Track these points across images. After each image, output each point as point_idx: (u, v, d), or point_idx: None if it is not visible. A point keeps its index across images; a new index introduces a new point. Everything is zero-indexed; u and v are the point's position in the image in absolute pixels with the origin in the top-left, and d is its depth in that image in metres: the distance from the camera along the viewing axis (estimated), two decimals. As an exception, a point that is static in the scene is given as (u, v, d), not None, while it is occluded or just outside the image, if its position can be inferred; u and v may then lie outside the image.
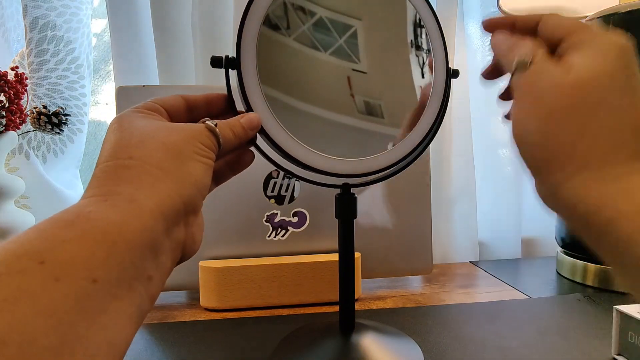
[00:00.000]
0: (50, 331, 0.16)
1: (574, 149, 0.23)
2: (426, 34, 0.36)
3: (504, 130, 0.77)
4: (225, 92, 0.32)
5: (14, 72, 0.62)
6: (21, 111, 0.62)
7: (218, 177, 0.33)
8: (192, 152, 0.25)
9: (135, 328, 0.20)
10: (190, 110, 0.31)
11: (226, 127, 0.28)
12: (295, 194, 0.54)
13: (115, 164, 0.23)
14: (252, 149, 0.33)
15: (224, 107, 0.32)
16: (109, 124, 0.27)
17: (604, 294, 0.55)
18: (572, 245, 0.62)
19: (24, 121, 0.64)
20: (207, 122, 0.27)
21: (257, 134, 0.32)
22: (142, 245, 0.21)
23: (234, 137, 0.29)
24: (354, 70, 0.34)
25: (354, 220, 0.37)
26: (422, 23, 0.36)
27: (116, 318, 0.18)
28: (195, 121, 0.28)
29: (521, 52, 0.25)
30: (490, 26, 0.29)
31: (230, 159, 0.33)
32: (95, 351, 0.17)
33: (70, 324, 0.16)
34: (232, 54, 0.31)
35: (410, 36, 0.36)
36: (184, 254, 0.26)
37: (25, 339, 0.15)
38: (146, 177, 0.23)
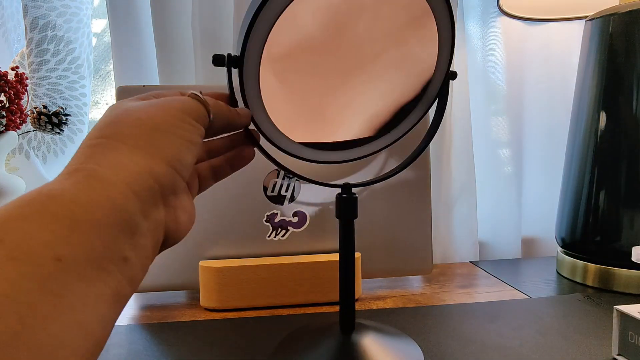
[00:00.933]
0: (6, 313, 0.15)
1: None
2: (438, 31, 0.35)
3: (504, 130, 0.77)
4: (227, 91, 0.32)
5: (14, 72, 0.62)
6: (21, 111, 0.62)
7: (217, 173, 0.32)
8: (169, 126, 0.24)
9: (113, 311, 0.19)
10: None
11: (213, 98, 0.27)
12: (295, 194, 0.54)
13: (86, 144, 0.22)
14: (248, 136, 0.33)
15: None
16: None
17: (604, 294, 0.55)
18: (572, 245, 0.62)
19: (24, 121, 0.64)
20: (192, 92, 0.26)
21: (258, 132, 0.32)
22: (112, 224, 0.19)
23: (226, 109, 0.28)
24: (355, 71, 0.34)
25: (354, 220, 0.37)
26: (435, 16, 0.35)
27: (85, 299, 0.17)
28: None
29: None
30: None
31: (230, 155, 0.32)
32: (62, 333, 0.16)
33: (30, 305, 0.15)
34: (232, 53, 0.31)
35: (412, 35, 0.36)
36: (168, 237, 0.24)
37: None
38: (108, 153, 0.21)
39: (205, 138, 0.27)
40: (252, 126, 0.32)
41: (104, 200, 0.20)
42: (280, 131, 0.33)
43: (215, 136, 0.30)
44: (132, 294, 0.21)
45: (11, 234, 0.16)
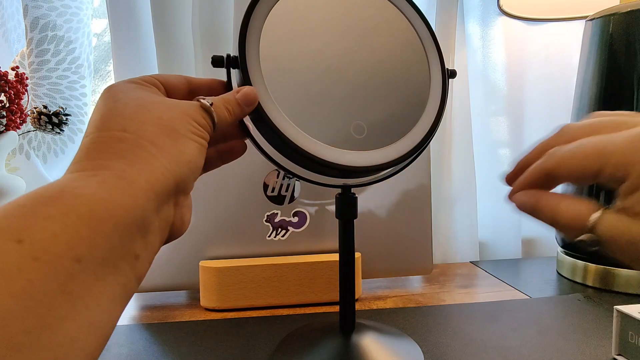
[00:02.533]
0: (26, 313, 0.15)
1: None
2: (419, 37, 0.36)
3: (504, 130, 0.77)
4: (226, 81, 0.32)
5: (15, 72, 0.62)
6: (21, 111, 0.62)
7: (207, 164, 0.31)
8: (187, 131, 0.24)
9: (120, 308, 0.19)
10: (192, 93, 0.30)
11: (221, 105, 0.27)
12: (296, 194, 0.54)
13: (109, 135, 0.22)
14: (253, 148, 0.33)
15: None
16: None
17: (604, 294, 0.55)
18: (572, 245, 0.62)
19: (24, 121, 0.64)
20: (202, 100, 0.26)
21: (259, 131, 0.32)
22: (131, 224, 0.20)
23: (229, 115, 0.28)
24: (355, 72, 0.34)
25: (354, 220, 0.37)
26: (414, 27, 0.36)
27: (99, 298, 0.18)
28: None
29: (581, 218, 0.23)
30: (511, 180, 0.27)
31: (222, 148, 0.32)
32: (75, 332, 0.16)
33: (49, 306, 0.16)
34: (232, 53, 0.31)
35: (405, 38, 0.36)
36: (172, 234, 0.25)
37: None
38: (140, 152, 0.21)
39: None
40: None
41: (127, 201, 0.20)
42: (293, 125, 0.32)
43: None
44: (136, 290, 0.21)
45: (36, 234, 0.16)
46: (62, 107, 0.66)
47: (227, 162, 0.33)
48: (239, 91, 0.29)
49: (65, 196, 0.18)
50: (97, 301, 0.17)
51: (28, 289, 0.15)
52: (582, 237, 0.23)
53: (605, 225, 0.22)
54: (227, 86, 0.32)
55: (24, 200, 0.18)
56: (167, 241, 0.25)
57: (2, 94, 0.60)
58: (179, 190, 0.24)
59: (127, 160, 0.21)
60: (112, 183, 0.20)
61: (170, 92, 0.28)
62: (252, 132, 0.33)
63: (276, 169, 0.53)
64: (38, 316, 0.15)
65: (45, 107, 0.65)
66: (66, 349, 0.16)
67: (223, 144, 0.32)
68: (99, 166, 0.20)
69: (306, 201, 0.54)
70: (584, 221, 0.23)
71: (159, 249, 0.23)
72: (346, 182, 0.36)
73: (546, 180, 0.25)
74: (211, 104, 0.26)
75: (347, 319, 0.39)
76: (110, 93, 0.24)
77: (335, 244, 0.55)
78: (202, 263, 0.51)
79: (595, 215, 0.22)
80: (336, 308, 0.49)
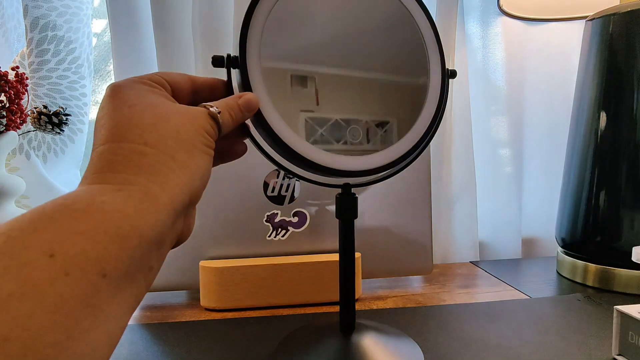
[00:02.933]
0: (56, 327, 0.16)
1: None
2: (421, 36, 0.36)
3: (504, 130, 0.77)
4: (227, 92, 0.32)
5: (15, 72, 0.62)
6: (22, 111, 0.62)
7: None
8: (200, 144, 0.24)
9: (130, 317, 0.20)
10: (195, 93, 0.30)
11: (226, 111, 0.27)
12: (295, 194, 0.54)
13: (131, 148, 0.22)
14: (253, 147, 0.33)
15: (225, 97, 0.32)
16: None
17: (604, 294, 0.55)
18: (572, 245, 0.62)
19: (24, 121, 0.64)
20: (209, 108, 0.26)
21: (255, 128, 0.32)
22: (153, 240, 0.20)
23: (232, 121, 0.28)
24: (356, 71, 0.34)
25: (354, 220, 0.37)
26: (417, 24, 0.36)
27: (116, 310, 0.18)
28: (196, 104, 0.27)
29: None
30: None
31: (222, 148, 0.32)
32: (96, 343, 0.17)
33: (76, 319, 0.16)
34: (232, 53, 0.31)
35: (405, 37, 0.36)
36: (177, 241, 0.25)
37: (30, 335, 0.15)
38: (161, 168, 0.22)
39: None
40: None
41: (151, 218, 0.20)
42: (292, 131, 0.32)
43: None
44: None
45: (68, 249, 0.17)
46: (62, 107, 0.66)
47: (226, 162, 0.33)
48: (241, 96, 0.29)
49: (93, 211, 0.19)
50: (114, 312, 0.18)
51: (59, 302, 0.16)
52: None
53: None
54: (227, 85, 0.32)
55: (52, 211, 0.18)
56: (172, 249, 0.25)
57: (2, 94, 0.60)
58: (192, 203, 0.24)
59: (150, 175, 0.21)
60: (138, 199, 0.20)
61: (175, 91, 0.28)
62: (252, 132, 0.33)
63: (276, 169, 0.53)
64: (66, 329, 0.16)
65: (45, 107, 0.65)
66: (87, 358, 0.17)
67: (223, 144, 0.32)
68: (124, 180, 0.21)
69: (306, 201, 0.54)
70: None
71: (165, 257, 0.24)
72: (346, 182, 0.36)
73: None
74: (219, 112, 0.26)
75: (347, 319, 0.39)
76: (120, 95, 0.24)
77: (335, 244, 0.55)
78: (202, 263, 0.51)
79: None
80: (336, 308, 0.50)
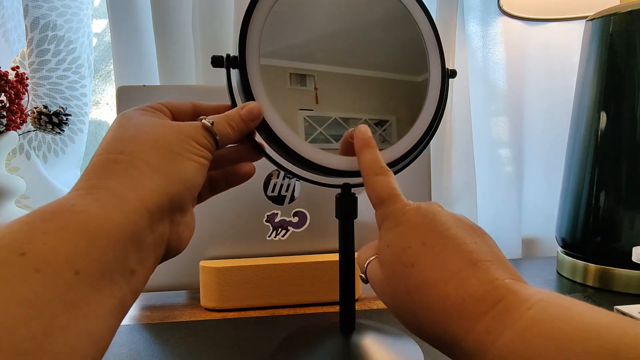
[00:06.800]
0: (31, 321, 0.16)
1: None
2: (421, 35, 0.36)
3: (504, 130, 0.77)
4: (227, 92, 0.32)
5: (15, 72, 0.62)
6: (22, 111, 0.62)
7: (213, 187, 0.33)
8: (184, 150, 0.25)
9: (117, 321, 0.20)
10: (198, 116, 0.30)
11: (223, 122, 0.28)
12: (296, 194, 0.54)
13: (107, 158, 0.23)
14: (253, 146, 0.33)
15: None
16: (109, 123, 0.28)
17: (605, 294, 0.55)
18: (572, 245, 0.62)
19: (24, 121, 0.64)
20: (203, 120, 0.27)
21: (258, 133, 0.32)
22: (125, 239, 0.21)
23: (232, 131, 0.28)
24: (355, 72, 0.34)
25: (354, 220, 0.37)
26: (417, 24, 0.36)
27: (97, 310, 0.19)
28: None
29: (361, 261, 0.32)
30: None
31: (228, 171, 0.33)
32: (75, 342, 0.17)
33: (51, 315, 0.17)
34: (232, 53, 0.31)
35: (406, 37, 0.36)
36: (168, 252, 0.26)
37: (4, 328, 0.15)
38: (133, 172, 0.23)
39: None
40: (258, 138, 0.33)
41: (119, 217, 0.21)
42: (291, 130, 0.32)
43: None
44: (132, 304, 0.22)
45: (37, 247, 0.18)
46: (62, 107, 0.66)
47: (234, 186, 0.33)
48: (243, 107, 0.30)
49: (63, 212, 0.20)
50: (95, 312, 0.18)
51: (32, 298, 0.16)
52: (362, 274, 0.32)
53: (369, 270, 0.31)
54: (227, 85, 0.32)
55: (28, 217, 0.19)
56: (164, 258, 0.26)
57: (3, 94, 0.60)
58: (174, 208, 0.24)
59: (121, 179, 0.22)
60: (105, 200, 0.21)
61: (176, 116, 0.30)
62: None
63: (276, 169, 0.53)
64: (41, 324, 0.16)
65: (45, 107, 0.65)
66: (66, 357, 0.17)
67: (230, 166, 0.33)
68: (94, 186, 0.22)
69: (306, 201, 0.54)
70: (362, 264, 0.32)
71: (155, 265, 0.24)
72: (346, 182, 0.36)
73: None
74: (212, 123, 0.27)
75: (347, 319, 0.39)
76: (117, 120, 0.26)
77: (335, 244, 0.54)
78: (202, 263, 0.51)
79: (367, 260, 0.31)
80: (336, 308, 0.49)
